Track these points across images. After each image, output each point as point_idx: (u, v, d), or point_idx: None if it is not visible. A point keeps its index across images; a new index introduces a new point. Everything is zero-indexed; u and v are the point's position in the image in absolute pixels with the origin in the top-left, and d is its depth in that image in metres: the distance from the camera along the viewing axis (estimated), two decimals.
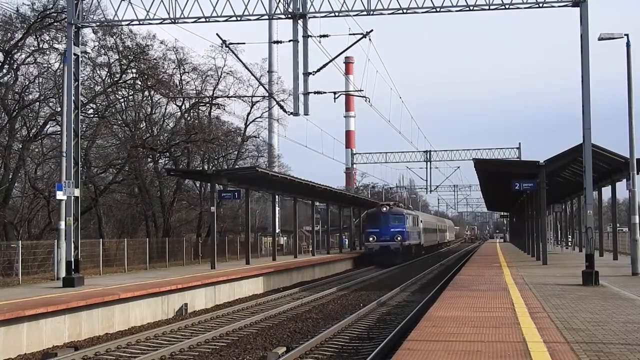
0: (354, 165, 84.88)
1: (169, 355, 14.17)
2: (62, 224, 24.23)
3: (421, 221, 61.28)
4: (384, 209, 50.81)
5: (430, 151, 73.40)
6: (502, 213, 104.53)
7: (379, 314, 21.20)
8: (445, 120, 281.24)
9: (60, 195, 23.36)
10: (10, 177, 34.39)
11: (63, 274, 23.21)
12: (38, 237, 34.11)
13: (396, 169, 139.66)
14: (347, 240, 68.29)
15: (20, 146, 35.04)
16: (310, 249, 52.63)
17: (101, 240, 32.18)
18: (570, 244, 59.21)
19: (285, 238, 64.96)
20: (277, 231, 51.53)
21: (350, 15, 23.52)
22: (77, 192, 22.89)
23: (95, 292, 19.95)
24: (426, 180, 77.43)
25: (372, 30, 25.23)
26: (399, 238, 49.59)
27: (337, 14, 23.24)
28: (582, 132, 21.63)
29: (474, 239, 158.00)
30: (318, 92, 27.19)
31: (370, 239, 50.28)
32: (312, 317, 20.35)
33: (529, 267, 30.38)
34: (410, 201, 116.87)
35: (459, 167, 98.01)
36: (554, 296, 17.26)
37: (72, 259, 22.49)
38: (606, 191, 42.25)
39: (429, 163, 74.25)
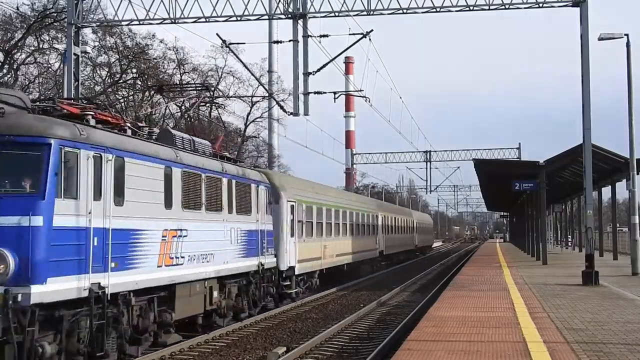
0: (354, 166, 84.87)
1: (169, 355, 14.17)
2: None
3: (290, 201, 23.19)
4: None
5: (430, 151, 73.38)
6: (502, 213, 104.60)
7: (379, 313, 21.21)
8: (445, 120, 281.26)
9: None
10: None
11: None
12: None
13: (396, 170, 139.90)
14: None
15: None
16: None
17: None
18: (570, 244, 59.21)
19: None
20: None
21: (350, 15, 23.58)
22: None
23: None
24: (426, 181, 77.47)
25: (372, 30, 25.26)
26: None
27: (337, 14, 23.31)
28: (582, 132, 21.67)
29: (473, 238, 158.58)
30: (318, 92, 27.21)
31: None
32: (312, 317, 20.35)
33: (529, 267, 30.40)
34: (411, 201, 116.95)
35: (459, 168, 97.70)
36: (554, 296, 17.27)
37: None
38: (606, 191, 42.34)
39: (429, 163, 74.23)
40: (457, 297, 17.42)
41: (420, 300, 23.09)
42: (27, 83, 35.88)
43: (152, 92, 42.57)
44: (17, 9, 33.82)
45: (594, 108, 21.32)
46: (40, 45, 35.25)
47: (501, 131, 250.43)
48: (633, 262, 24.64)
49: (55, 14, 34.09)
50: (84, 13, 24.55)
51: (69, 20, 23.56)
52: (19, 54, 35.09)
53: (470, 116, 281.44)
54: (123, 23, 25.98)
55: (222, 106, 47.03)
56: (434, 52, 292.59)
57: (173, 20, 23.25)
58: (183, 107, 46.18)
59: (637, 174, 25.25)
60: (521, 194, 46.73)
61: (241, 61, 30.83)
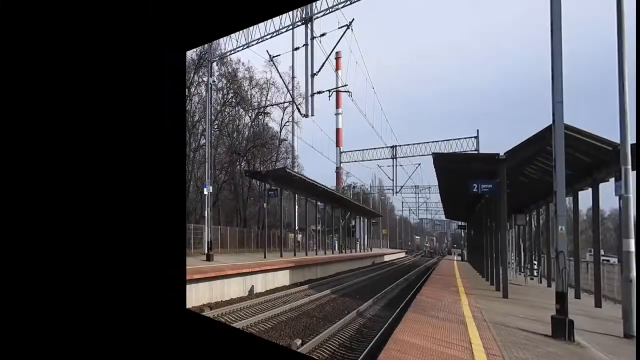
0: (341, 164, 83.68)
1: None
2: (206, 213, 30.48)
3: None
4: None
5: (395, 146, 60.25)
6: (459, 223, 77.38)
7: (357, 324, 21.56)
8: (412, 109, 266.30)
9: (205, 191, 30.18)
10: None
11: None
12: (198, 222, 40.69)
13: (369, 168, 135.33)
14: (337, 241, 66.84)
15: (192, 155, 45.56)
16: (315, 247, 55.99)
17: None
18: (535, 274, 41.93)
19: (300, 235, 66.09)
20: (296, 228, 56.71)
21: (347, 5, 24.29)
22: (210, 189, 29.68)
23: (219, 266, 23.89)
24: (392, 180, 64.13)
25: (353, 20, 26.18)
26: None
27: (331, 10, 24.17)
28: (552, 108, 14.28)
29: (432, 252, 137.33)
30: (319, 92, 27.93)
31: None
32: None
33: (487, 298, 28.28)
34: (380, 204, 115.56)
35: (419, 165, 69.10)
36: (516, 345, 14.66)
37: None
38: (585, 197, 27.31)
39: (394, 160, 61.62)
40: (418, 322, 17.36)
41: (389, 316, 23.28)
42: (194, 109, 46.41)
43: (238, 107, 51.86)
44: None
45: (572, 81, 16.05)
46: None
47: (462, 120, 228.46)
48: (626, 317, 15.60)
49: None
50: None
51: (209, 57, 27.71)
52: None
53: (437, 103, 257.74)
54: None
55: (269, 114, 54.58)
56: (400, 36, 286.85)
57: (247, 45, 26.64)
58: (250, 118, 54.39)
59: (633, 169, 14.81)
60: (480, 199, 34.88)
61: (278, 72, 32.63)
